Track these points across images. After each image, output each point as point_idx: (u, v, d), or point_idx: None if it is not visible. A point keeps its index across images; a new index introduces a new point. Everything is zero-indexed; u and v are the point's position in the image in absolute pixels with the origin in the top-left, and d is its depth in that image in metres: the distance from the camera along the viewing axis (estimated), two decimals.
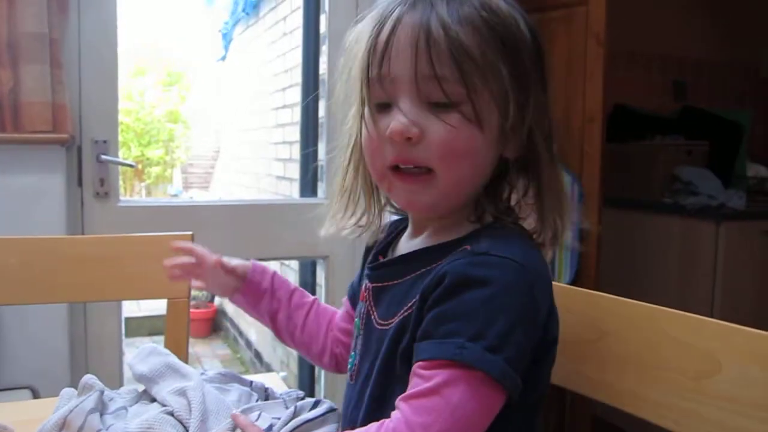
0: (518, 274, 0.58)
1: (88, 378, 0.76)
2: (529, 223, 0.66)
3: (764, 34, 3.10)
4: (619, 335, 0.78)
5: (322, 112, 2.04)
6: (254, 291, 0.83)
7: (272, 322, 0.84)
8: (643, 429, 0.87)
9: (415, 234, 0.70)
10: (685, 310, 0.74)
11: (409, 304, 0.62)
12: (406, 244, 0.71)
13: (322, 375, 2.01)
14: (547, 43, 0.66)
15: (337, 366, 0.84)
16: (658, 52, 2.95)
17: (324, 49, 1.97)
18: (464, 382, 0.55)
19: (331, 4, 1.90)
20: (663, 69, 3.00)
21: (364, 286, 0.73)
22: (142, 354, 0.81)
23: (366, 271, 0.72)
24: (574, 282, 1.89)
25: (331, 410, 0.72)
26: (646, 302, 0.78)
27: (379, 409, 0.65)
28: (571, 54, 1.88)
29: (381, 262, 0.71)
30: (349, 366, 0.72)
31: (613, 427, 2.01)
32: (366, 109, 0.64)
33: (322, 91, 2.04)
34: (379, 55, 0.61)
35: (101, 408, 0.72)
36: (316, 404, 0.74)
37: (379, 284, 0.69)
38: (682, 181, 2.50)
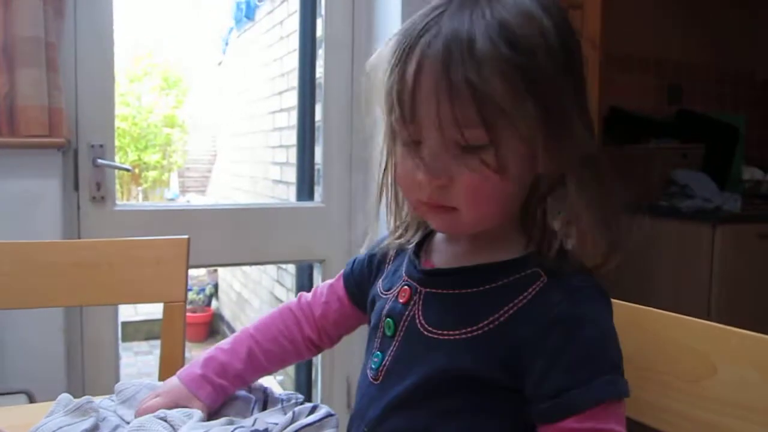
0: (606, 299, 0.64)
1: (86, 401, 0.73)
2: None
3: (758, 37, 3.12)
4: None
5: (318, 116, 2.04)
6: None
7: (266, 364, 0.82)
8: None
9: (453, 237, 0.70)
10: (681, 313, 0.74)
11: (481, 324, 0.62)
12: (450, 248, 0.70)
13: (319, 379, 2.01)
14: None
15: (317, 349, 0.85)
16: (653, 55, 2.96)
17: (321, 52, 1.97)
18: (617, 413, 0.59)
19: (328, 7, 1.90)
20: (658, 72, 3.01)
21: (406, 288, 0.71)
22: (120, 397, 0.79)
23: (417, 274, 0.70)
24: None
25: (329, 415, 0.72)
26: (642, 305, 0.78)
27: (396, 414, 0.65)
28: None
29: (438, 269, 0.69)
30: (373, 366, 0.71)
31: None
32: (396, 146, 0.65)
33: (319, 94, 2.04)
34: (401, 99, 0.60)
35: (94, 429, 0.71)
36: (313, 409, 0.74)
37: (433, 290, 0.68)
38: (678, 184, 2.51)
